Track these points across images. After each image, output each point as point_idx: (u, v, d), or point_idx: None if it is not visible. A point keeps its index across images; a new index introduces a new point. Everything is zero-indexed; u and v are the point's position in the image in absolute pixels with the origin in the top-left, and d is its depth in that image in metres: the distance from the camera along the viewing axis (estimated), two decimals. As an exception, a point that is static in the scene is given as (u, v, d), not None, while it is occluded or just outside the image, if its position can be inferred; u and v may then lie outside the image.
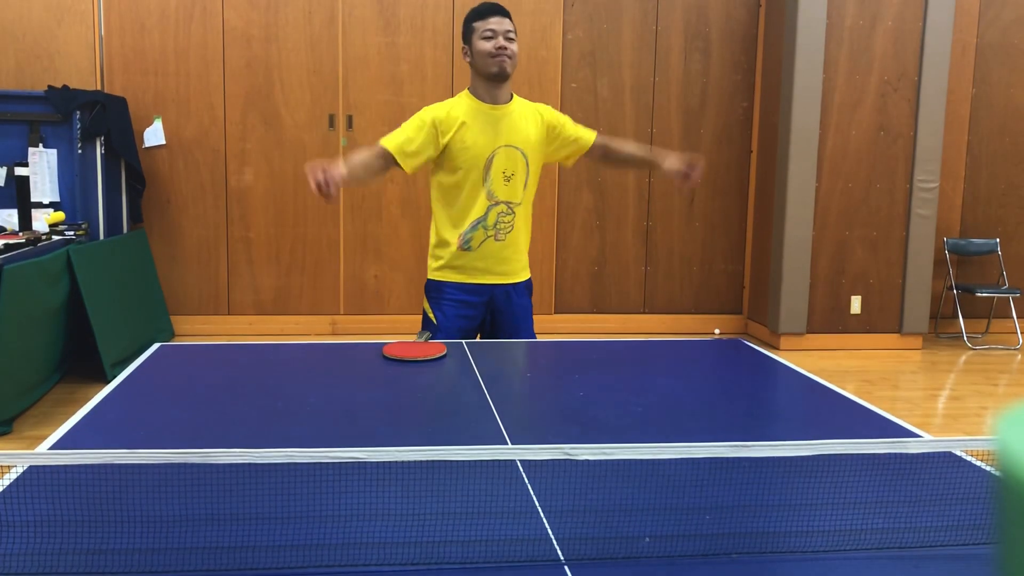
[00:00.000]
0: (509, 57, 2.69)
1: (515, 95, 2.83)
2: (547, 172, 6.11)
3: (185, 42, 5.73)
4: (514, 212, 2.78)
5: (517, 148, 2.74)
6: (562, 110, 6.13)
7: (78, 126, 5.01)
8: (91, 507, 1.37)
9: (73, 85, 5.44)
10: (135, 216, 5.67)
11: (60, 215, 4.96)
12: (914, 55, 5.72)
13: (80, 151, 5.04)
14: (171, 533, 1.35)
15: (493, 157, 2.72)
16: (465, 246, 2.79)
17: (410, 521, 1.40)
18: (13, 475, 1.54)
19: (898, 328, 5.94)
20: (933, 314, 6.19)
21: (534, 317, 3.06)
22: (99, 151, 5.18)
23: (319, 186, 2.36)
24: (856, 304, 5.89)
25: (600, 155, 2.92)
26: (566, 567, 1.28)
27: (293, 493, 1.48)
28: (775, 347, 5.84)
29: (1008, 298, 6.28)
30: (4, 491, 1.48)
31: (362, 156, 2.68)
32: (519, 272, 2.89)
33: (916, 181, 5.80)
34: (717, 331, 6.31)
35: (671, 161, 2.75)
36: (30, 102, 5.08)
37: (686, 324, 6.32)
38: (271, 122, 5.84)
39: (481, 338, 2.95)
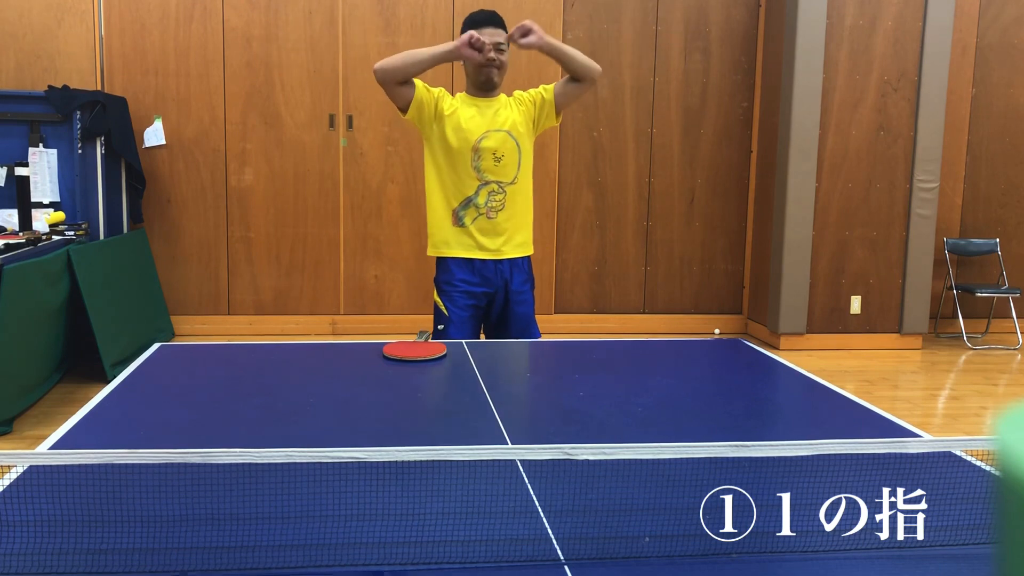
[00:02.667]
0: (497, 68, 2.91)
1: (503, 93, 3.02)
2: (547, 172, 6.11)
3: (185, 42, 5.73)
4: (505, 191, 2.92)
5: (506, 131, 2.91)
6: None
7: (78, 126, 5.01)
8: (91, 507, 1.37)
9: (73, 85, 5.44)
10: (135, 216, 5.67)
11: (60, 215, 4.96)
12: (914, 55, 5.72)
13: (80, 151, 5.04)
14: (171, 533, 1.35)
15: (483, 139, 2.89)
16: (459, 223, 2.94)
17: (410, 521, 1.40)
18: (13, 475, 1.54)
19: (898, 328, 5.94)
20: (933, 314, 6.19)
21: (535, 316, 3.09)
22: (99, 151, 5.18)
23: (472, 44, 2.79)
24: (856, 304, 5.89)
25: (582, 90, 3.04)
26: (566, 567, 1.28)
27: (293, 493, 1.48)
28: (775, 347, 5.83)
29: (1008, 298, 6.28)
30: (4, 491, 1.48)
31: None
32: (513, 249, 3.00)
33: (916, 181, 5.80)
34: (717, 331, 6.31)
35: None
36: (30, 102, 5.08)
37: (686, 324, 6.32)
38: (271, 122, 5.84)
39: (488, 321, 3.07)
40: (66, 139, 5.09)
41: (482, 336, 3.12)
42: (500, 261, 2.97)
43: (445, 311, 2.96)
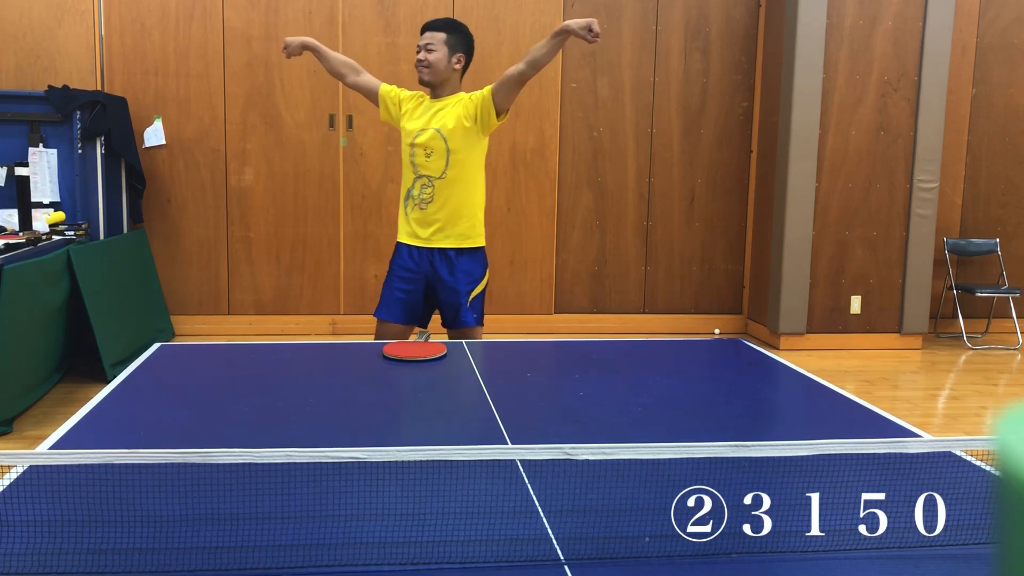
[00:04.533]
0: (427, 67, 3.19)
1: (462, 91, 3.27)
2: (547, 172, 6.11)
3: (185, 42, 5.73)
4: (433, 185, 3.21)
5: (435, 129, 3.19)
6: (562, 110, 6.14)
7: (78, 126, 5.01)
8: (91, 507, 1.38)
9: (73, 85, 5.44)
10: (135, 216, 5.67)
11: (60, 215, 4.96)
12: (914, 55, 5.72)
13: (80, 151, 5.04)
14: (171, 533, 1.35)
15: (417, 136, 3.21)
16: (404, 211, 3.31)
17: (410, 521, 1.40)
18: (13, 475, 1.54)
19: (898, 328, 5.94)
20: (933, 314, 6.19)
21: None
22: (99, 151, 5.18)
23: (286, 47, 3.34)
24: (856, 304, 5.89)
25: (516, 83, 3.12)
26: (566, 567, 1.28)
27: (293, 493, 1.48)
28: (775, 347, 5.83)
29: (1008, 298, 6.28)
30: (4, 491, 1.48)
31: (349, 62, 3.42)
32: (443, 239, 3.24)
33: (916, 181, 5.80)
34: (717, 331, 6.31)
35: (573, 24, 2.96)
36: (30, 102, 5.08)
37: (686, 324, 6.32)
38: (271, 122, 5.84)
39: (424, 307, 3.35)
40: (66, 139, 5.09)
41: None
42: (431, 250, 3.24)
43: (381, 292, 3.37)
